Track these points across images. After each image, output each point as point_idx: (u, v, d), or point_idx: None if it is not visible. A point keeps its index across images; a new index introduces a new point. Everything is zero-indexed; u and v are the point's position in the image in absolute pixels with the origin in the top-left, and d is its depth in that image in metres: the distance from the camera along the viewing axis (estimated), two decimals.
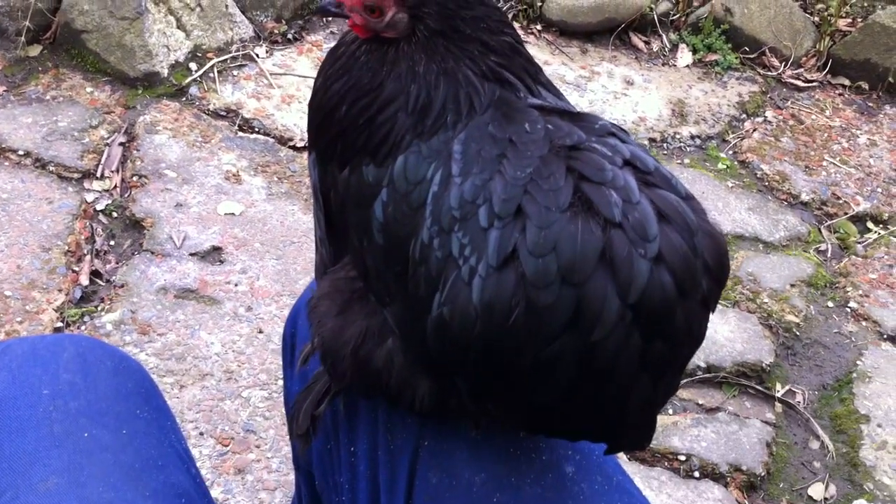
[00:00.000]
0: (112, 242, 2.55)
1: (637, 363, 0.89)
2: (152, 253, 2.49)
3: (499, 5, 1.04)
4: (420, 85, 0.99)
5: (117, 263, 2.48)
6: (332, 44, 3.43)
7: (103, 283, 2.42)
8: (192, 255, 2.50)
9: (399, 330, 1.00)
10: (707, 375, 2.44)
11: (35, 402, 1.04)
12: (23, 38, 3.04)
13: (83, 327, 2.27)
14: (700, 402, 2.38)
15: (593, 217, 0.87)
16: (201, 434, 2.07)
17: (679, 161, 3.34)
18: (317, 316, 1.08)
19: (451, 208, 0.91)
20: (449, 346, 0.92)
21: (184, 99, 3.07)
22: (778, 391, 2.46)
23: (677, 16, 3.94)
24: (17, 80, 3.01)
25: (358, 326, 1.04)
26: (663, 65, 3.82)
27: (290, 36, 3.45)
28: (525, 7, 3.83)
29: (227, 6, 3.30)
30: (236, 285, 2.44)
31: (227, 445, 2.06)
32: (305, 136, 1.16)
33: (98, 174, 2.72)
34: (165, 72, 3.08)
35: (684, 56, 3.86)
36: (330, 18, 3.55)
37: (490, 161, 0.92)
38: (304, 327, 1.22)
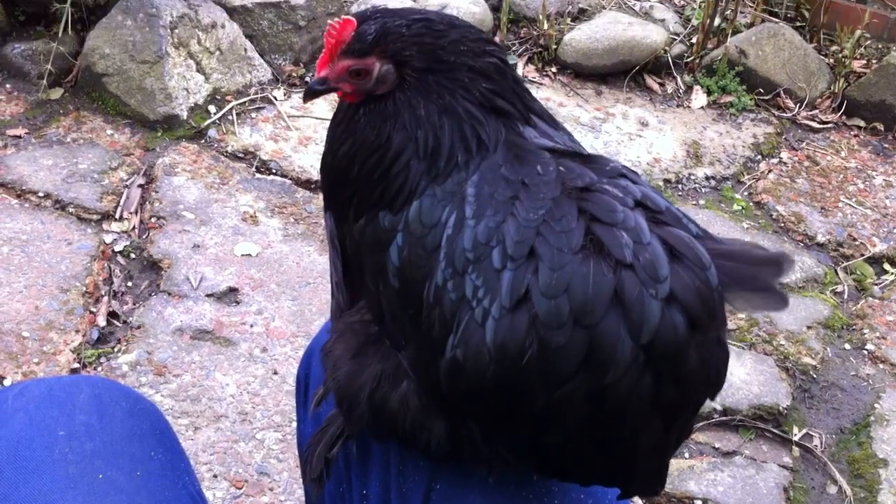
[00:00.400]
0: (129, 283, 2.57)
1: (649, 405, 0.89)
2: (169, 294, 2.51)
3: (472, 26, 1.03)
4: (426, 129, 0.99)
5: (134, 304, 2.50)
6: None
7: (120, 324, 2.44)
8: (208, 296, 2.52)
9: (414, 373, 1.01)
10: (723, 418, 2.42)
11: (51, 444, 1.05)
12: (44, 82, 3.10)
13: (100, 368, 2.29)
14: (716, 446, 2.36)
15: (605, 258, 0.88)
16: (215, 476, 2.07)
17: (694, 202, 3.34)
18: (332, 360, 1.08)
19: (465, 250, 0.92)
20: (462, 388, 0.92)
21: (202, 141, 3.11)
22: (795, 435, 2.44)
23: (691, 58, 3.96)
24: (38, 123, 3.06)
25: (373, 370, 1.04)
26: (678, 106, 3.84)
27: (307, 78, 3.49)
28: (540, 50, 3.86)
29: (246, 50, 3.35)
30: (252, 326, 2.45)
31: (240, 488, 2.06)
32: None
33: (117, 216, 2.75)
34: (185, 114, 3.12)
35: (699, 97, 3.88)
36: None
37: (503, 203, 0.93)
38: (317, 369, 1.23)
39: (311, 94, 1.07)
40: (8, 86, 3.17)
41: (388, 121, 1.01)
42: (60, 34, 3.06)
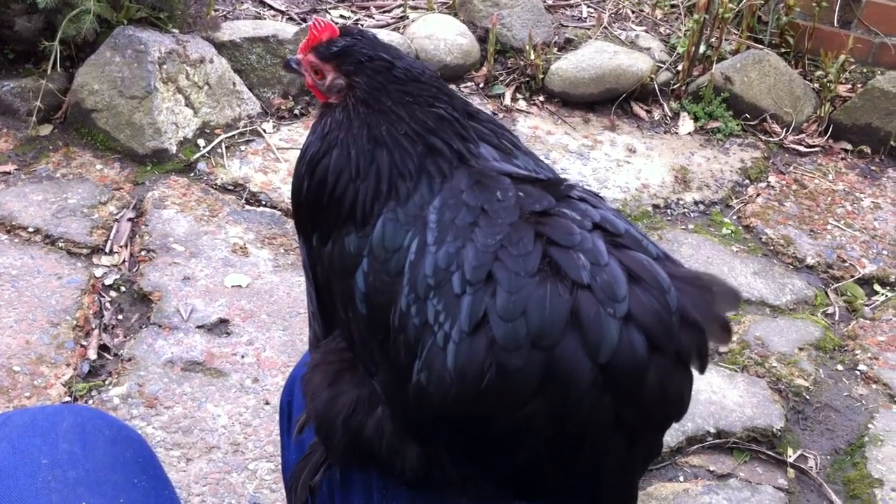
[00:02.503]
0: (120, 317, 2.56)
1: (611, 425, 0.90)
2: (160, 326, 2.50)
3: (438, 82, 1.09)
4: (357, 150, 1.04)
5: (125, 337, 2.49)
6: None
7: (111, 357, 2.43)
8: (199, 327, 2.51)
9: (385, 398, 1.01)
10: (717, 441, 2.41)
11: (34, 472, 1.05)
12: (34, 118, 3.11)
13: (91, 401, 2.27)
14: (711, 469, 2.35)
15: (562, 280, 0.88)
16: None
17: (683, 227, 3.35)
18: (310, 388, 1.09)
19: (426, 276, 0.94)
20: (428, 412, 0.93)
21: (192, 174, 3.12)
22: (790, 456, 2.43)
23: (678, 85, 4.00)
24: (27, 159, 3.07)
25: (349, 396, 1.05)
26: (665, 132, 3.87)
27: (296, 111, 3.52)
28: (528, 79, 3.89)
29: (234, 84, 3.37)
30: (243, 357, 2.45)
31: None
32: None
33: (107, 249, 2.75)
34: (174, 148, 3.14)
35: (686, 124, 3.91)
36: None
37: (463, 229, 0.95)
38: (300, 397, 1.23)
39: (286, 67, 1.18)
40: None
41: (329, 133, 1.07)
42: (49, 71, 3.07)
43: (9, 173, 2.98)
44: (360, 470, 1.13)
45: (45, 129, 3.19)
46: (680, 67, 4.02)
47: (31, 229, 2.77)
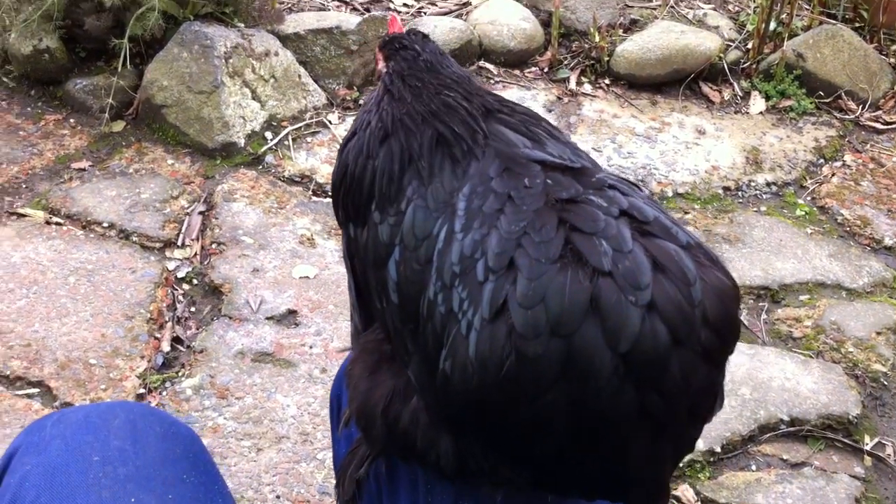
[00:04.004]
0: (192, 309, 2.62)
1: (635, 415, 0.88)
2: (230, 318, 2.55)
3: (459, 77, 1.13)
4: (372, 132, 1.08)
5: (197, 329, 2.54)
6: None
7: (184, 349, 2.48)
8: (268, 318, 2.55)
9: (418, 387, 1.01)
10: (791, 429, 2.36)
11: (86, 469, 1.07)
12: (107, 115, 3.18)
13: (165, 393, 2.33)
14: (784, 458, 2.31)
15: (582, 267, 0.87)
16: (278, 497, 2.09)
17: (755, 209, 3.28)
18: (351, 380, 1.10)
19: (453, 264, 0.94)
20: (452, 400, 0.93)
21: (260, 167, 3.16)
22: (866, 444, 2.37)
23: (748, 63, 3.91)
24: (101, 156, 3.14)
25: (386, 387, 1.06)
26: (735, 113, 3.79)
27: (361, 101, 3.53)
28: (593, 62, 3.85)
29: (300, 76, 3.41)
30: (311, 347, 2.48)
31: None
32: None
33: (179, 243, 2.81)
34: (242, 142, 3.18)
35: (757, 103, 3.82)
36: None
37: (489, 216, 0.95)
38: None
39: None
40: (72, 120, 3.27)
41: (359, 116, 1.13)
42: (120, 69, 3.14)
43: (84, 170, 3.06)
44: (402, 462, 1.14)
45: (118, 126, 3.26)
46: (750, 45, 3.93)
47: (105, 224, 2.84)
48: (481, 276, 0.90)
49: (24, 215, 2.84)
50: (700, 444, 2.29)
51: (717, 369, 0.93)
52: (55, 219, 2.84)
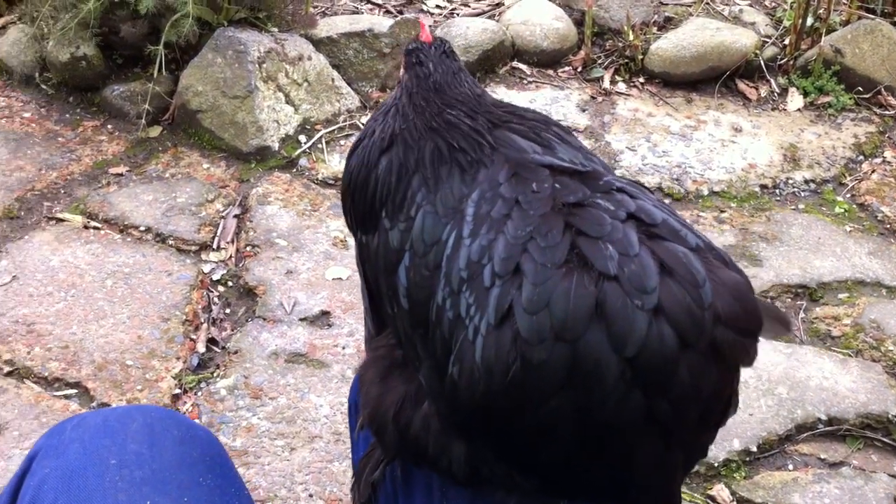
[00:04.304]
0: (227, 310, 2.64)
1: (642, 422, 0.87)
2: (264, 319, 2.57)
3: (464, 95, 1.14)
4: (374, 142, 1.10)
5: (232, 330, 2.56)
6: None
7: (219, 350, 2.50)
8: (301, 319, 2.57)
9: (429, 393, 1.01)
10: (829, 428, 2.33)
11: (103, 473, 1.08)
12: (143, 121, 3.22)
13: (199, 393, 2.35)
14: (822, 457, 2.27)
15: (588, 272, 0.86)
16: (311, 496, 2.10)
17: (793, 207, 3.24)
18: (364, 385, 1.10)
19: (460, 269, 0.94)
20: (461, 406, 0.93)
21: (294, 170, 3.19)
22: None
23: (785, 60, 3.86)
24: (139, 160, 3.18)
25: (397, 392, 1.06)
26: (773, 110, 3.74)
27: None
28: (627, 61, 3.82)
29: (333, 80, 3.42)
30: (343, 348, 2.49)
31: None
32: None
33: (214, 246, 2.83)
34: (276, 145, 3.20)
35: (795, 100, 3.77)
36: None
37: (497, 221, 0.94)
38: None
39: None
40: (109, 126, 3.32)
41: (367, 124, 1.14)
42: (156, 75, 3.18)
43: (121, 175, 3.10)
44: (415, 467, 1.14)
45: (155, 131, 3.30)
46: (787, 41, 3.88)
47: (142, 228, 2.88)
48: (488, 282, 0.90)
49: (62, 220, 2.88)
50: (735, 444, 2.26)
51: (729, 373, 0.91)
52: (93, 223, 2.88)
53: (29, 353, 2.39)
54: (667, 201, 3.18)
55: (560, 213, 0.92)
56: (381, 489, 1.18)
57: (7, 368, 2.35)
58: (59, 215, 2.90)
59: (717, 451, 2.24)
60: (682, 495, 2.14)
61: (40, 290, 2.60)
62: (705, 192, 3.24)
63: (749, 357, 0.92)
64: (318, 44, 3.47)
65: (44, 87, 3.41)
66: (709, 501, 2.16)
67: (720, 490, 2.17)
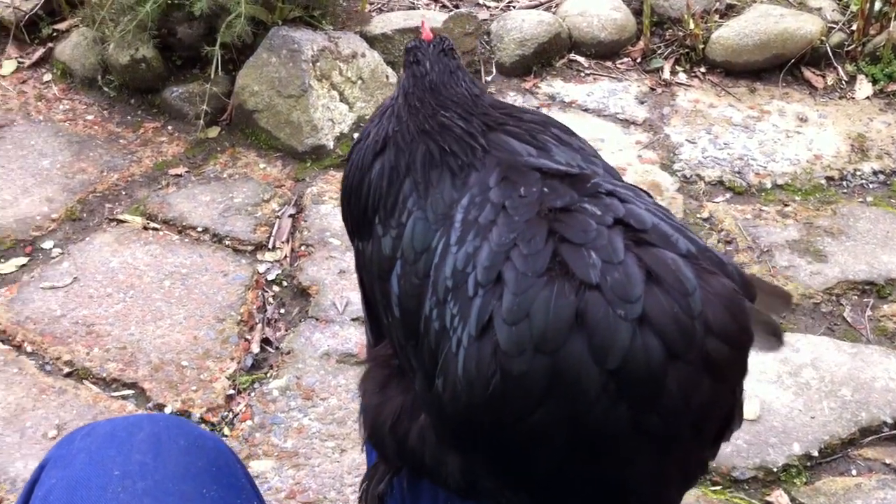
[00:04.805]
0: (282, 310, 2.66)
1: (630, 435, 0.83)
2: (317, 319, 2.58)
3: (459, 96, 1.11)
4: (368, 145, 1.08)
5: (286, 331, 2.58)
6: None
7: (272, 350, 2.52)
8: (353, 320, 2.57)
9: (422, 404, 0.99)
10: (894, 432, 2.25)
11: (106, 483, 1.08)
12: (202, 122, 3.26)
13: (253, 394, 2.37)
14: (887, 462, 2.19)
15: (569, 280, 0.83)
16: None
17: (860, 199, 3.13)
18: (364, 395, 1.09)
19: (446, 278, 0.91)
20: (445, 419, 0.91)
21: None
22: None
23: (852, 46, 3.73)
24: (197, 161, 3.22)
25: (394, 403, 1.04)
26: (840, 98, 3.62)
27: None
28: (687, 51, 3.74)
29: (387, 77, 3.42)
30: None
31: None
32: None
33: (269, 245, 2.86)
34: (331, 144, 3.21)
35: (863, 88, 3.65)
36: (489, 79, 3.61)
37: (484, 227, 0.91)
38: None
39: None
40: (169, 127, 3.36)
41: (372, 119, 1.13)
42: (213, 75, 3.21)
43: (180, 175, 3.15)
44: (415, 478, 1.12)
45: (213, 132, 3.34)
46: (854, 27, 3.75)
47: (199, 229, 2.91)
48: (471, 291, 0.88)
49: (123, 221, 2.93)
50: (796, 448, 2.20)
51: (724, 384, 0.87)
52: (152, 224, 2.93)
53: (88, 354, 2.44)
54: (727, 195, 3.11)
55: (545, 218, 0.89)
56: (389, 500, 1.17)
57: (67, 369, 2.40)
58: (120, 217, 2.95)
59: (777, 455, 2.18)
60: (740, 502, 2.09)
61: (100, 291, 2.65)
62: (768, 186, 3.16)
63: (744, 370, 0.88)
64: (373, 41, 3.47)
65: (106, 89, 3.47)
66: None
67: (779, 496, 2.12)
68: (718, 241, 2.88)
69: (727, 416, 0.91)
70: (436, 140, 1.03)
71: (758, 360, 2.40)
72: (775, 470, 2.16)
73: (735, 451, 2.19)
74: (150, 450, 1.14)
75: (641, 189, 0.98)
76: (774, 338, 0.92)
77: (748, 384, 2.32)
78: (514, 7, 3.92)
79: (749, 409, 2.28)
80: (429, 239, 0.97)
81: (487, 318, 0.85)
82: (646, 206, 0.91)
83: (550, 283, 0.83)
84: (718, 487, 2.14)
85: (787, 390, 2.34)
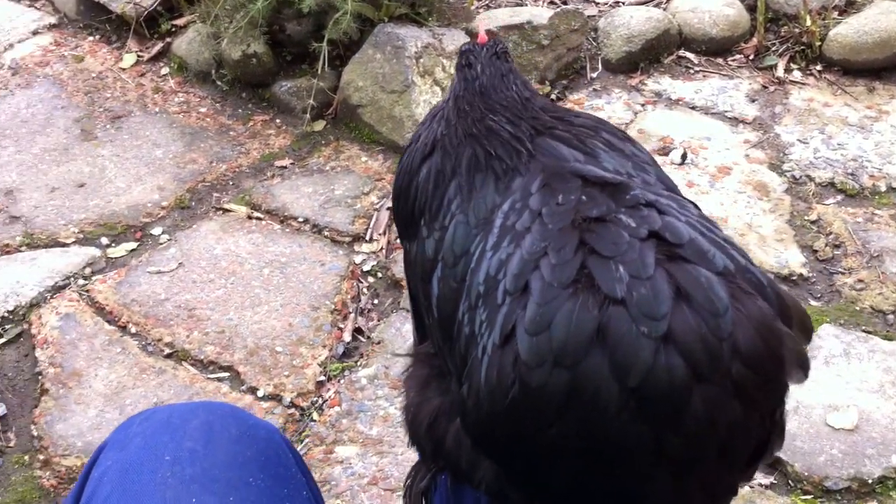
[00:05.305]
0: (375, 301, 2.70)
1: (651, 455, 0.80)
2: (407, 311, 2.60)
3: (509, 100, 1.09)
4: (416, 149, 1.09)
5: (378, 321, 2.62)
6: (595, 101, 3.43)
7: (364, 340, 2.57)
8: None
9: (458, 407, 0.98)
10: None
11: (156, 468, 1.10)
12: (308, 115, 3.34)
13: (342, 381, 2.42)
14: None
15: (594, 294, 0.80)
16: None
17: None
18: (405, 393, 1.09)
19: (479, 283, 0.90)
20: (469, 427, 0.90)
21: None
22: None
23: None
24: (302, 154, 3.30)
25: (432, 404, 1.03)
26: None
27: (553, 96, 3.51)
28: (802, 48, 3.61)
29: None
30: None
31: None
32: None
33: (367, 237, 2.90)
34: None
35: None
36: (594, 75, 3.58)
37: (519, 234, 0.90)
38: None
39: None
40: (277, 121, 3.46)
41: (423, 122, 1.13)
42: (320, 71, 3.28)
43: (285, 167, 3.23)
44: (453, 480, 1.12)
45: (319, 125, 3.41)
46: None
47: (301, 219, 2.99)
48: (500, 299, 0.87)
49: (228, 210, 3.03)
50: (894, 460, 2.10)
51: (754, 410, 0.83)
52: (256, 214, 3.02)
53: (188, 337, 2.54)
54: (838, 197, 2.99)
55: (578, 228, 0.87)
56: (434, 497, 1.17)
57: (167, 351, 2.50)
58: (226, 206, 3.05)
59: (873, 466, 2.09)
60: None
61: (203, 277, 2.75)
62: (882, 188, 3.02)
63: (780, 396, 0.85)
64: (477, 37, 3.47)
65: (219, 83, 3.59)
66: None
67: None
68: (826, 245, 2.78)
69: (761, 440, 0.88)
70: (482, 144, 1.03)
71: (859, 368, 2.30)
72: (870, 482, 2.07)
73: (829, 461, 2.11)
74: (201, 437, 1.15)
75: (690, 201, 0.95)
76: (801, 371, 0.87)
77: (846, 393, 2.24)
78: (622, 3, 3.87)
79: (846, 419, 2.19)
80: (468, 243, 0.97)
81: (511, 328, 0.84)
82: (687, 218, 0.88)
83: (575, 296, 0.81)
84: (809, 497, 2.07)
85: (890, 401, 2.24)
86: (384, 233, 2.92)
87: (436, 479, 1.17)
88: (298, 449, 2.24)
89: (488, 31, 1.19)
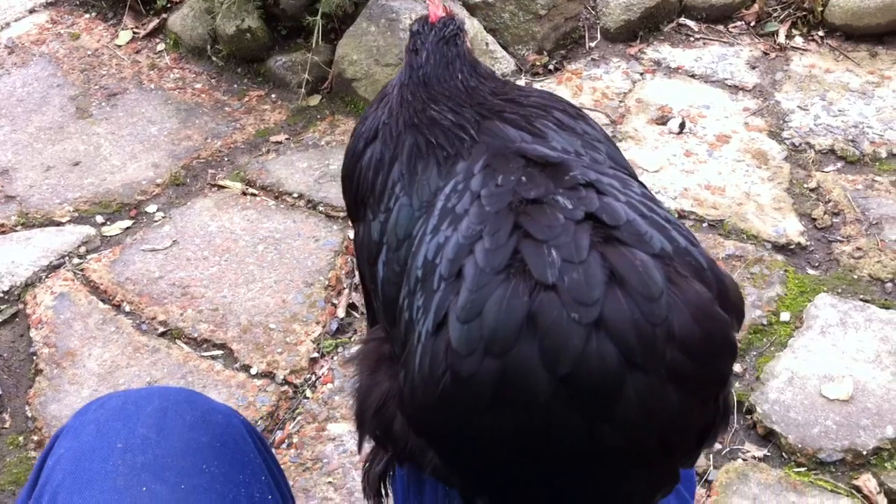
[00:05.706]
0: None
1: (584, 447, 0.78)
2: None
3: (452, 90, 1.07)
4: (359, 134, 1.07)
5: None
6: (593, 71, 3.38)
7: (358, 316, 2.56)
8: None
9: None
10: None
11: (107, 456, 1.09)
12: (303, 90, 3.32)
13: (336, 357, 2.41)
14: None
15: (525, 279, 0.78)
16: None
17: None
18: (354, 377, 1.08)
19: (417, 268, 0.88)
20: (407, 415, 0.88)
21: None
22: None
23: None
24: (297, 129, 3.28)
25: (381, 388, 1.01)
26: None
27: (550, 66, 3.47)
28: (804, 14, 3.56)
29: (487, 44, 3.39)
30: None
31: None
32: None
33: None
34: None
35: None
36: (593, 45, 3.53)
37: (457, 217, 0.87)
38: None
39: None
40: (273, 96, 3.44)
41: (371, 104, 1.11)
42: (314, 45, 3.25)
43: (280, 142, 3.21)
44: (399, 464, 1.11)
45: (314, 100, 3.39)
46: None
47: (295, 195, 2.97)
48: (436, 284, 0.84)
49: (223, 187, 3.02)
50: (889, 431, 2.08)
51: (694, 396, 0.80)
52: (251, 190, 3.00)
53: (182, 315, 2.53)
54: (838, 165, 2.95)
55: (514, 211, 0.84)
56: (392, 481, 1.16)
57: (161, 329, 2.50)
58: (221, 182, 3.04)
59: (868, 438, 2.08)
60: (825, 485, 2.00)
61: (197, 254, 2.75)
62: (883, 155, 2.98)
63: (721, 381, 0.82)
64: (473, 8, 3.44)
65: (214, 59, 3.56)
66: (853, 492, 2.01)
67: (867, 480, 2.01)
68: (825, 213, 2.75)
69: (705, 425, 0.85)
70: (423, 133, 1.01)
71: (855, 337, 2.28)
72: (865, 453, 2.05)
73: (823, 432, 2.10)
74: (154, 424, 1.14)
75: (636, 179, 0.92)
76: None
77: (841, 363, 2.21)
78: None
79: (841, 390, 2.17)
80: (411, 226, 0.95)
81: (444, 314, 0.82)
82: (628, 198, 0.85)
83: (507, 282, 0.79)
84: (803, 469, 2.06)
85: (886, 370, 2.22)
86: None
87: (393, 463, 1.16)
88: (291, 427, 2.25)
89: (444, 8, 1.15)
